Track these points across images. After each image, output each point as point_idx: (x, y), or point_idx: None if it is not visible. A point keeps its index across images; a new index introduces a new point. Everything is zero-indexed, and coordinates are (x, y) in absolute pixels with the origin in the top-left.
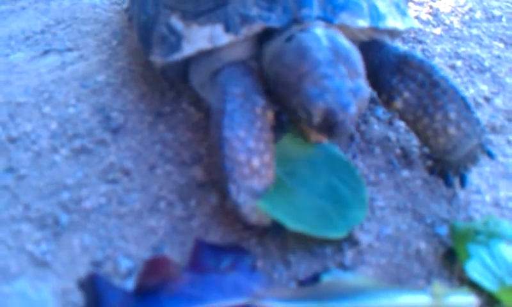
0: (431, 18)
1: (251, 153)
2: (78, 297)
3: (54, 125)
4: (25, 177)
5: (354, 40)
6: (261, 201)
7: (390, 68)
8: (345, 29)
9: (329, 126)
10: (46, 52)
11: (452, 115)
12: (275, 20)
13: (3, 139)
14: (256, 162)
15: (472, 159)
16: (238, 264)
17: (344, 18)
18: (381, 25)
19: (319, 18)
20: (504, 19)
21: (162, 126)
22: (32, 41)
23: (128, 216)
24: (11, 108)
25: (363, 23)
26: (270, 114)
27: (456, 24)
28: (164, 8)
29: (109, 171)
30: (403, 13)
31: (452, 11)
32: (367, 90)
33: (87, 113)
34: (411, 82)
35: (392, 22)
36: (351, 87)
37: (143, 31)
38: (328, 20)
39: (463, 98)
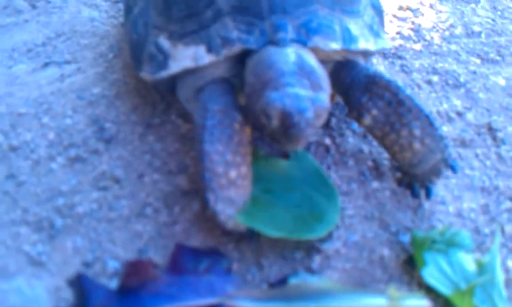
0: (412, 33)
1: (229, 165)
2: (69, 294)
3: (51, 135)
4: (24, 183)
5: (329, 60)
6: (239, 214)
7: (360, 87)
8: (319, 50)
9: (286, 128)
10: (46, 64)
11: (417, 132)
12: (253, 42)
13: (5, 148)
14: (233, 173)
15: (436, 172)
16: (214, 267)
17: (317, 41)
18: (353, 47)
19: (293, 40)
20: (482, 35)
21: (152, 137)
22: (34, 54)
23: (117, 221)
24: (13, 118)
25: (335, 45)
26: (248, 130)
27: (436, 40)
28: (153, 29)
29: (101, 178)
30: (376, 35)
31: (434, 27)
32: (326, 101)
33: (82, 124)
34: (379, 100)
35: (364, 43)
36: (310, 96)
37: (134, 49)
38: (301, 43)
39: (427, 116)
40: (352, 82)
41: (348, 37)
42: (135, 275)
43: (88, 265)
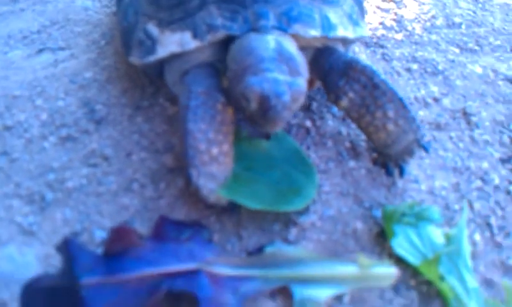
0: (394, 24)
1: (211, 143)
2: (58, 261)
3: (44, 116)
4: (17, 160)
5: (309, 47)
6: (221, 189)
7: (338, 72)
8: (299, 37)
9: (264, 111)
10: (41, 51)
11: (391, 113)
12: (236, 29)
13: None
14: (215, 150)
15: (409, 152)
16: (196, 237)
17: (297, 28)
18: (331, 34)
19: (274, 27)
20: (463, 26)
21: (140, 118)
22: (29, 40)
23: (105, 195)
24: (7, 100)
25: (314, 32)
26: (230, 110)
27: (418, 30)
28: (142, 16)
29: (91, 156)
30: (355, 23)
31: (416, 18)
32: (303, 86)
33: (74, 106)
34: (355, 84)
35: (342, 31)
36: (287, 81)
37: (124, 36)
38: (282, 30)
39: (401, 99)
40: (330, 67)
41: (327, 25)
42: (119, 241)
43: (76, 235)
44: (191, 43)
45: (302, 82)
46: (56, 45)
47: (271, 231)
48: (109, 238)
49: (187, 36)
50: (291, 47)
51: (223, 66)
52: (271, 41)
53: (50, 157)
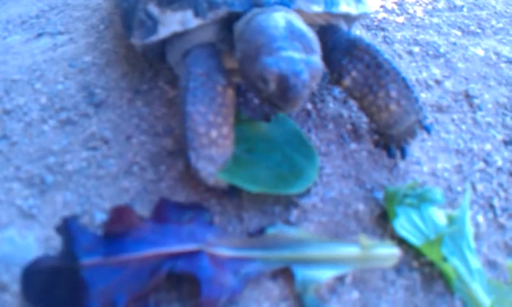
0: (395, 7)
1: (210, 125)
2: (58, 242)
3: (43, 99)
4: (17, 143)
5: (312, 24)
6: (221, 172)
7: (341, 50)
8: (302, 13)
9: (283, 91)
10: (39, 35)
11: (393, 93)
12: (238, 5)
13: None
14: (214, 133)
15: (411, 133)
16: (197, 218)
17: (300, 3)
18: (334, 10)
19: (276, 3)
20: (464, 9)
21: (140, 102)
22: (28, 25)
23: (105, 178)
24: (6, 84)
25: (317, 8)
26: (231, 92)
27: (419, 13)
28: None
29: (90, 139)
30: (358, 0)
31: (417, 1)
32: (319, 63)
33: (73, 89)
34: (358, 63)
35: (345, 7)
36: (304, 58)
37: (124, 17)
38: (285, 5)
39: (404, 79)
40: (334, 45)
41: (330, 0)
42: (119, 222)
43: (77, 217)
44: (193, 22)
45: (318, 59)
46: (54, 29)
47: (272, 213)
48: (109, 218)
49: (188, 14)
50: (301, 23)
51: (226, 46)
52: (280, 18)
53: (50, 140)
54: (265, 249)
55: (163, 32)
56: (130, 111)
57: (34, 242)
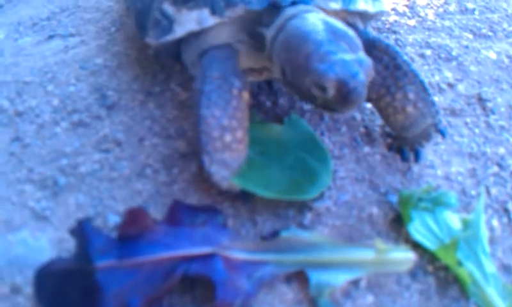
0: (407, 10)
1: (224, 129)
2: (71, 245)
3: (55, 101)
4: (29, 145)
5: None
6: (235, 177)
7: None
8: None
9: (344, 96)
10: (51, 37)
11: (411, 95)
12: (256, 3)
13: (11, 113)
14: (228, 137)
15: (426, 136)
16: (210, 221)
17: (318, 0)
18: (352, 7)
19: (295, 2)
20: (476, 12)
21: (152, 104)
22: (39, 27)
23: (118, 180)
24: (18, 86)
25: (335, 5)
26: (246, 95)
27: (430, 16)
28: None
29: (103, 141)
30: None
31: (428, 4)
32: (368, 59)
33: (85, 91)
34: (377, 63)
35: (363, 5)
36: (354, 58)
37: (139, 17)
38: (303, 2)
39: (422, 82)
40: None
41: None
42: (133, 224)
43: (90, 219)
44: (210, 20)
45: (365, 55)
46: (66, 31)
47: (286, 216)
48: (123, 221)
49: (205, 12)
50: (337, 22)
51: (242, 46)
52: (316, 21)
53: (62, 142)
54: (279, 253)
55: (179, 31)
56: (143, 113)
57: (47, 244)
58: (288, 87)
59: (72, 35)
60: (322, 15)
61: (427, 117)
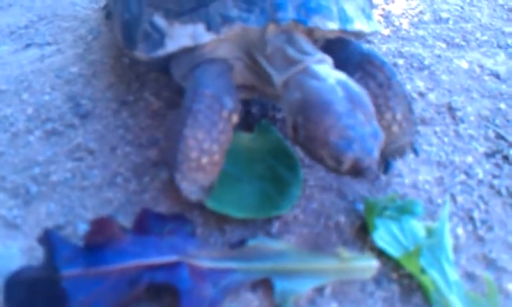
0: (382, 19)
1: (204, 153)
2: (41, 253)
3: (30, 110)
4: (2, 154)
5: (322, 38)
6: (207, 200)
7: (354, 64)
8: (316, 30)
9: (357, 171)
10: (28, 46)
11: (399, 116)
12: (254, 21)
13: None
14: (205, 160)
15: (401, 153)
16: (178, 230)
17: (316, 20)
18: (349, 27)
19: (293, 20)
20: (450, 21)
21: (126, 113)
22: (17, 36)
23: (89, 189)
24: None
25: (333, 25)
26: (235, 118)
27: (405, 25)
28: (147, 7)
29: (76, 150)
30: (368, 17)
31: (403, 13)
32: (380, 130)
33: (60, 100)
34: (371, 80)
35: (359, 25)
36: (370, 132)
37: (126, 28)
38: (302, 22)
39: (409, 103)
40: (346, 58)
41: (344, 17)
42: (100, 233)
43: (60, 228)
44: (205, 37)
45: (377, 125)
46: (43, 40)
47: (254, 224)
48: (90, 230)
49: (200, 28)
50: (353, 85)
51: (239, 63)
52: (337, 88)
53: (36, 151)
54: (246, 261)
55: (171, 46)
56: (116, 122)
57: (18, 251)
58: (297, 144)
59: (48, 44)
60: (340, 74)
61: (407, 135)
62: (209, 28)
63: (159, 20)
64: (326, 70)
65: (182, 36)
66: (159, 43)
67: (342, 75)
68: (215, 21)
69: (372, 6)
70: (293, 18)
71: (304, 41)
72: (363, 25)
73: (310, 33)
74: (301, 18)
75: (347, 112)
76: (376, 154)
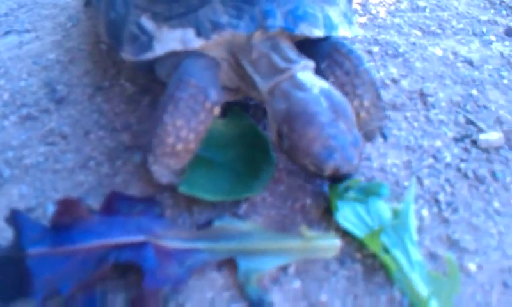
0: (359, 8)
1: (180, 140)
2: (11, 234)
3: (6, 96)
4: None
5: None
6: (180, 185)
7: (322, 53)
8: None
9: (337, 176)
10: (7, 33)
11: (366, 103)
12: (243, 27)
13: None
14: (180, 147)
15: (370, 137)
16: (147, 211)
17: (303, 28)
18: (334, 33)
19: (280, 27)
20: (427, 10)
21: (100, 98)
22: None
23: (61, 172)
24: None
25: (318, 33)
26: (217, 110)
27: (382, 14)
28: (134, 8)
29: (49, 135)
30: (350, 22)
31: (380, 2)
32: (360, 138)
33: (36, 86)
34: (337, 69)
35: (343, 31)
36: (351, 140)
37: (112, 28)
38: (289, 29)
39: (377, 89)
40: (316, 50)
41: (329, 24)
42: (67, 213)
43: (31, 210)
44: (195, 42)
45: (358, 133)
46: (22, 27)
47: (222, 206)
48: (56, 210)
49: (190, 33)
50: (338, 95)
51: (227, 65)
52: (321, 98)
53: (10, 136)
54: (212, 241)
55: (159, 49)
56: (91, 107)
57: None
58: (281, 151)
59: (27, 31)
60: (324, 83)
61: (376, 121)
62: (199, 33)
63: (147, 23)
64: (310, 78)
65: (170, 40)
66: (147, 46)
67: (325, 84)
68: (205, 27)
69: (352, 10)
70: (281, 25)
71: (288, 48)
72: (346, 31)
73: (293, 36)
74: (289, 26)
75: (329, 122)
76: (356, 161)
